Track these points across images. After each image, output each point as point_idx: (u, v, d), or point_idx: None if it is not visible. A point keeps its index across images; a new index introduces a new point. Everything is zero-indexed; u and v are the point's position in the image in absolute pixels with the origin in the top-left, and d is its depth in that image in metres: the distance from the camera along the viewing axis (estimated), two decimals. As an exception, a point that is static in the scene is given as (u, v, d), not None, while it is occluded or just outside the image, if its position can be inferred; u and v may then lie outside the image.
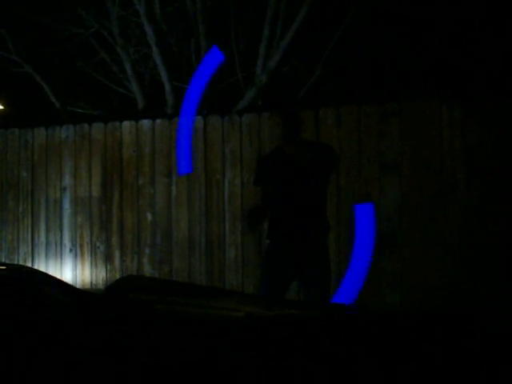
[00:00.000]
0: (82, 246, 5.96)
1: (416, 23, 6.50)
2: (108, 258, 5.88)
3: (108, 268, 5.88)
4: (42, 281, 1.61)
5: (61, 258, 6.04)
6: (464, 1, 6.41)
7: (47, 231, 6.09)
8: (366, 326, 1.73)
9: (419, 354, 1.48)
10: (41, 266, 6.04)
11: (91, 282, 5.91)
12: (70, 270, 5.98)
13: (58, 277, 5.90)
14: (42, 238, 6.11)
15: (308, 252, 3.71)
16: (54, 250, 6.06)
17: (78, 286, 5.84)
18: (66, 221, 6.02)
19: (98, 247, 5.91)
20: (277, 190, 3.80)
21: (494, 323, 1.88)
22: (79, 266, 5.96)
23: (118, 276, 5.77)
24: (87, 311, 1.48)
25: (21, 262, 6.05)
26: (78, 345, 1.37)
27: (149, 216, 5.76)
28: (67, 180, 6.03)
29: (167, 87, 6.39)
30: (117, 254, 5.85)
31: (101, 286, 5.85)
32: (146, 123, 5.83)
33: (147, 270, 5.74)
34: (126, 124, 5.88)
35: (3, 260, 6.15)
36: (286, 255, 3.74)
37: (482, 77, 6.17)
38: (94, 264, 5.92)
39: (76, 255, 5.98)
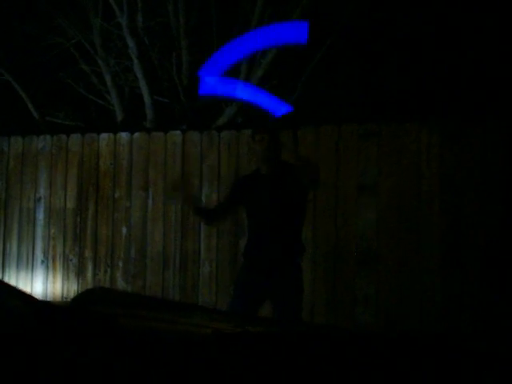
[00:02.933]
0: (54, 257, 5.87)
1: (398, 46, 6.56)
2: (80, 271, 5.80)
3: (80, 281, 5.79)
4: (1, 290, 1.56)
5: (32, 270, 5.94)
6: (447, 25, 6.49)
7: (19, 242, 6.00)
8: (335, 344, 1.71)
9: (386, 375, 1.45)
10: (11, 277, 5.93)
11: (62, 295, 5.81)
12: (41, 282, 5.88)
13: (29, 289, 5.80)
14: (14, 249, 6.01)
15: (281, 272, 3.70)
16: (26, 261, 5.96)
17: (49, 298, 5.74)
18: (39, 232, 5.93)
19: (71, 260, 5.82)
20: (254, 210, 3.82)
21: (465, 345, 1.86)
22: (50, 279, 5.87)
23: (89, 289, 5.68)
24: (48, 322, 1.44)
25: (-9, 273, 5.94)
26: (37, 356, 1.33)
27: (124, 229, 5.70)
28: (42, 190, 5.96)
29: (147, 101, 6.36)
30: (90, 267, 5.77)
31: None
32: (124, 136, 5.78)
33: (120, 284, 5.66)
34: (104, 136, 5.83)
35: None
36: (260, 274, 3.74)
37: (460, 102, 6.22)
38: (65, 277, 5.83)
39: (48, 267, 5.88)
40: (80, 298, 1.86)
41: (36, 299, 1.61)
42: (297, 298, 3.73)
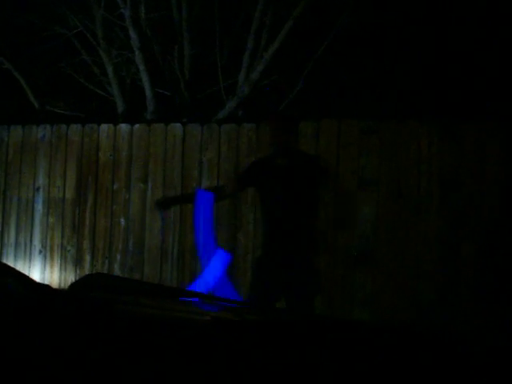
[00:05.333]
0: (52, 248, 5.86)
1: (399, 43, 6.54)
2: (78, 262, 5.79)
3: (77, 272, 5.78)
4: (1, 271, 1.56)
5: (30, 260, 5.93)
6: (445, 24, 6.48)
7: (17, 231, 5.98)
8: (333, 332, 1.70)
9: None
10: (9, 266, 5.92)
11: (59, 286, 5.80)
12: (38, 273, 5.87)
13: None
14: (12, 239, 5.99)
15: (294, 266, 3.63)
16: (23, 250, 5.95)
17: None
18: (38, 222, 5.92)
19: (69, 250, 5.81)
20: (267, 201, 3.77)
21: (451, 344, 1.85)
22: (48, 269, 5.86)
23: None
24: (46, 305, 1.43)
25: (-12, 262, 5.93)
26: (33, 338, 1.32)
27: (122, 221, 5.69)
28: (41, 180, 5.94)
29: (148, 93, 6.33)
30: (87, 258, 5.76)
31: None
32: (124, 127, 5.77)
33: (117, 276, 5.65)
34: (104, 127, 5.82)
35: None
36: (274, 267, 3.68)
37: (460, 99, 6.22)
38: (63, 267, 5.82)
39: (45, 257, 5.87)
40: (78, 283, 1.85)
41: (35, 281, 1.60)
42: (308, 291, 3.66)
